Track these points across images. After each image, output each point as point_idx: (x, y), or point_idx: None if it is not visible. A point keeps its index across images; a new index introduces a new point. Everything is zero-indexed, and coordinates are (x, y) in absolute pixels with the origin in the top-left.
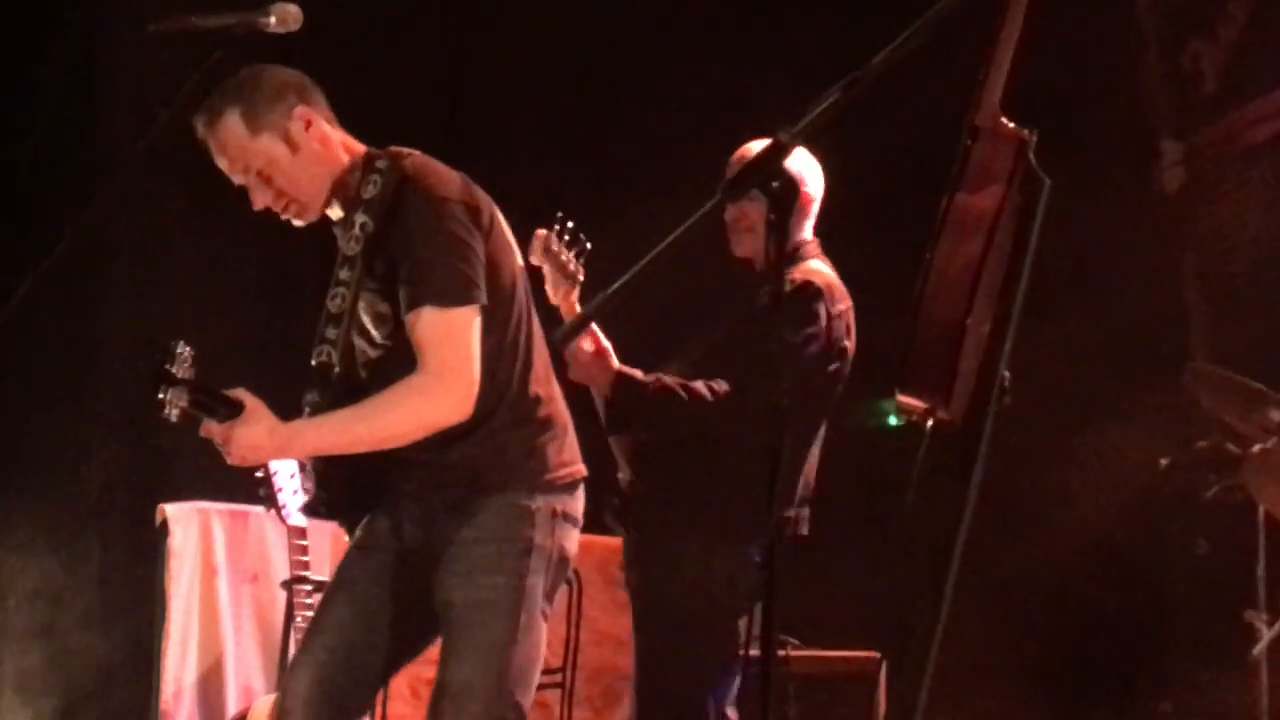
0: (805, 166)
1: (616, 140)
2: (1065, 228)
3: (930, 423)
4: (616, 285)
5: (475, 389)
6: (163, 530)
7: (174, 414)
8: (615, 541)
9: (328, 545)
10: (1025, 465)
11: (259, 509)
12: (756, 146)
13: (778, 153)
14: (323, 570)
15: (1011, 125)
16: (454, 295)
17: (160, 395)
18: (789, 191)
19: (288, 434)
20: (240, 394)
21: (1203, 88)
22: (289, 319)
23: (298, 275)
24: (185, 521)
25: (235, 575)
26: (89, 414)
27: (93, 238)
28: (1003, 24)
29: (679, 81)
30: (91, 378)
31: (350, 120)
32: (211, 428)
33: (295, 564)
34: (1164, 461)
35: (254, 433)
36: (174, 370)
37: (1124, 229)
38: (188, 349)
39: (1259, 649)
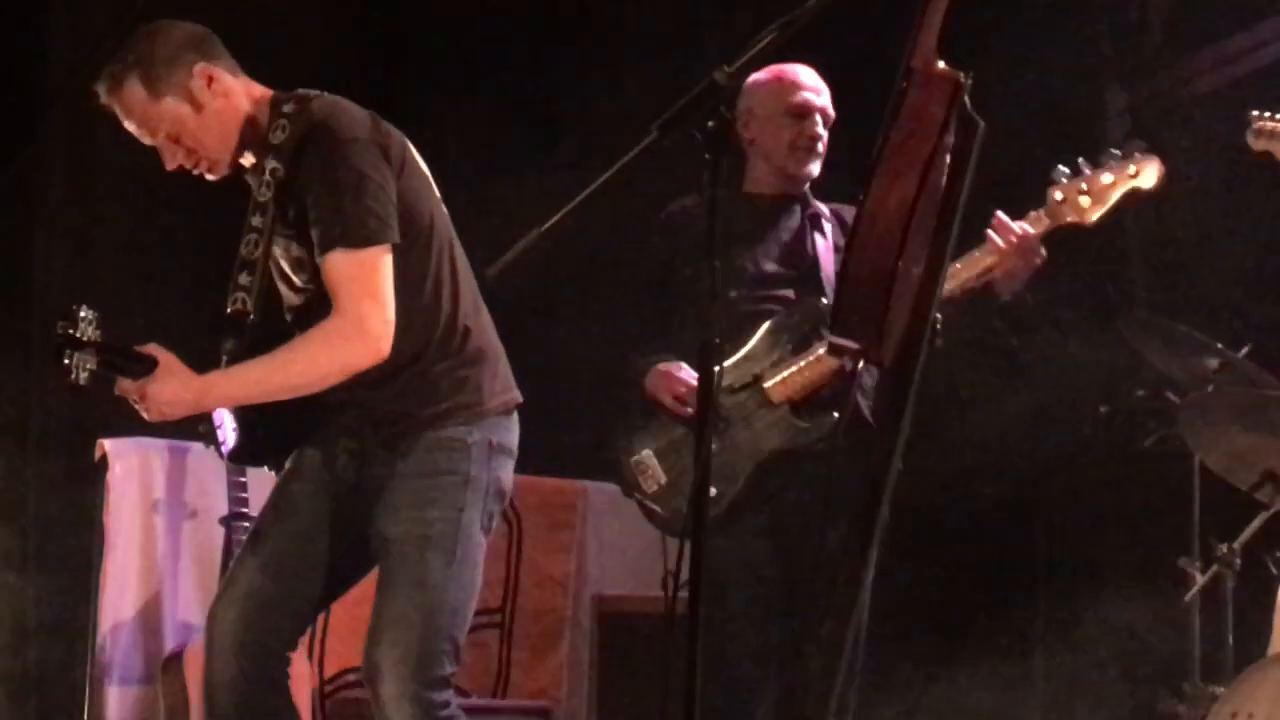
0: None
1: (555, 77)
2: (1005, 174)
3: (860, 365)
4: (550, 222)
5: (390, 328)
6: (102, 465)
7: (82, 377)
8: (556, 482)
9: (266, 483)
10: (959, 410)
11: (199, 445)
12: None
13: (714, 92)
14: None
15: (946, 68)
16: (363, 235)
17: (65, 361)
18: (724, 131)
19: (203, 385)
20: (152, 349)
21: (1149, 37)
22: (224, 267)
23: (233, 222)
24: (125, 456)
25: (174, 511)
26: (27, 347)
27: (30, 176)
28: None
29: (622, 18)
30: (30, 311)
31: (278, 66)
32: (126, 385)
33: (234, 500)
34: (1103, 409)
35: (169, 388)
36: (77, 334)
37: None
38: (91, 311)
39: (1190, 595)
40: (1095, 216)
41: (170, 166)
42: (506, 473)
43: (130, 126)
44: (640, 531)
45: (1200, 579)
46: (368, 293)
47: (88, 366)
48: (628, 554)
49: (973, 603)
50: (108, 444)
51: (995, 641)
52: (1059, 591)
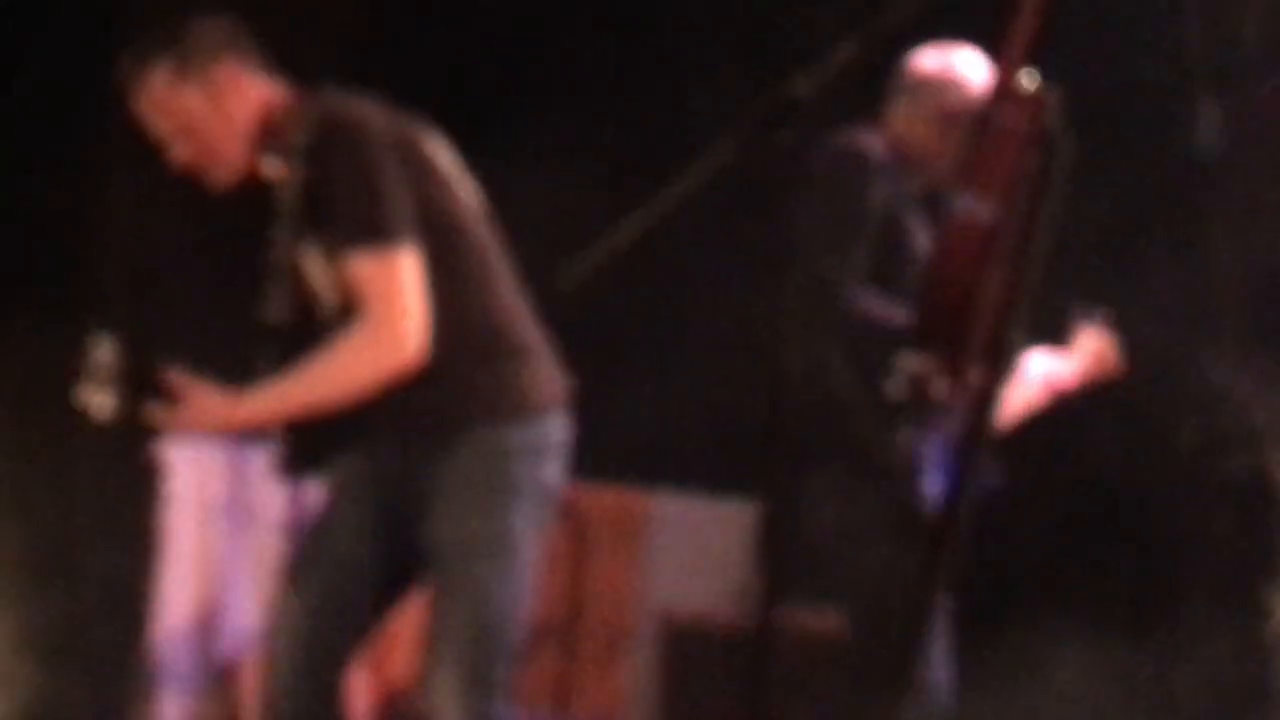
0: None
1: (627, 82)
2: (1097, 187)
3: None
4: (621, 232)
5: (420, 329)
6: (162, 470)
7: (103, 413)
8: (623, 492)
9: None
10: (1040, 433)
11: (260, 451)
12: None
13: (791, 108)
14: None
15: (1032, 84)
16: (384, 235)
17: (84, 399)
18: (800, 149)
19: (238, 406)
20: (176, 376)
21: (1245, 45)
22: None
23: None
24: (185, 461)
25: (234, 518)
26: (77, 347)
27: (94, 187)
28: None
29: (695, 23)
30: (96, 315)
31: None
32: (157, 412)
33: (293, 504)
34: (1189, 432)
35: (203, 412)
36: (94, 367)
37: (1158, 186)
38: (107, 343)
39: (1274, 626)
40: None
41: (178, 159)
42: (554, 471)
43: (145, 111)
44: (712, 544)
45: None
46: (393, 294)
47: (107, 401)
48: (698, 568)
49: (1052, 625)
50: (164, 446)
51: (1070, 667)
52: (1136, 618)
